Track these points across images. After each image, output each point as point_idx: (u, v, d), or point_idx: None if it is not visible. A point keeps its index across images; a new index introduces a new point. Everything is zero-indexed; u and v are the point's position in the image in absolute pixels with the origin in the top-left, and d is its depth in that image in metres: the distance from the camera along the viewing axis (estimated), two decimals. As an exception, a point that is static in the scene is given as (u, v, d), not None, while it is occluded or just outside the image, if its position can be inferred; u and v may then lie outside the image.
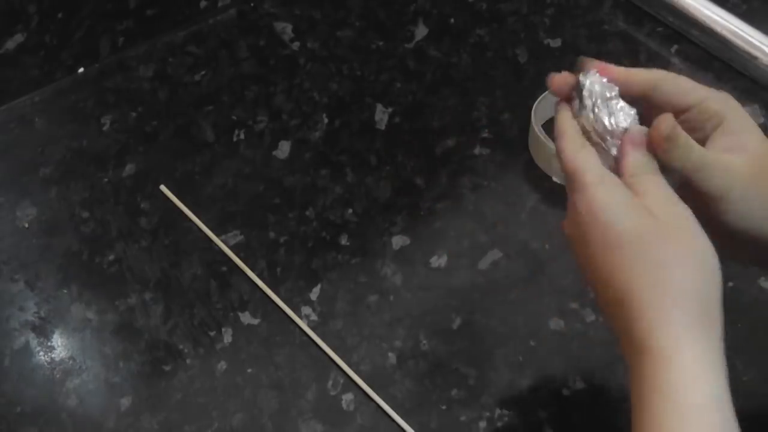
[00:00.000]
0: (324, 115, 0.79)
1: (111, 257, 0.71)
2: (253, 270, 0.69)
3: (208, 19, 0.88)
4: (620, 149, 0.47)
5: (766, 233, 0.47)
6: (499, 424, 0.60)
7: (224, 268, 0.69)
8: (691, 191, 0.46)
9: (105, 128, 0.79)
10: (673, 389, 0.42)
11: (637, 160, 0.46)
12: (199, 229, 0.72)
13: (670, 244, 0.44)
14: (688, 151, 0.46)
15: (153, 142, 0.78)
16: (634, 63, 0.83)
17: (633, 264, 0.44)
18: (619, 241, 0.44)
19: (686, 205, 0.45)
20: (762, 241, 0.48)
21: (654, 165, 0.46)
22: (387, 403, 0.61)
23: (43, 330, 0.67)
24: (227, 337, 0.65)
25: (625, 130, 0.47)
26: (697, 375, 0.42)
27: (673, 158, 0.46)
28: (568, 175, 0.47)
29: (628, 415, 0.44)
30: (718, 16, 0.82)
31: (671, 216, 0.44)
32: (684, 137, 0.46)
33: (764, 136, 0.48)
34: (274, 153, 0.77)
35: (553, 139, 0.49)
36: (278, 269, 0.69)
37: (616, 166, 0.47)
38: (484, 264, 0.68)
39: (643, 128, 0.47)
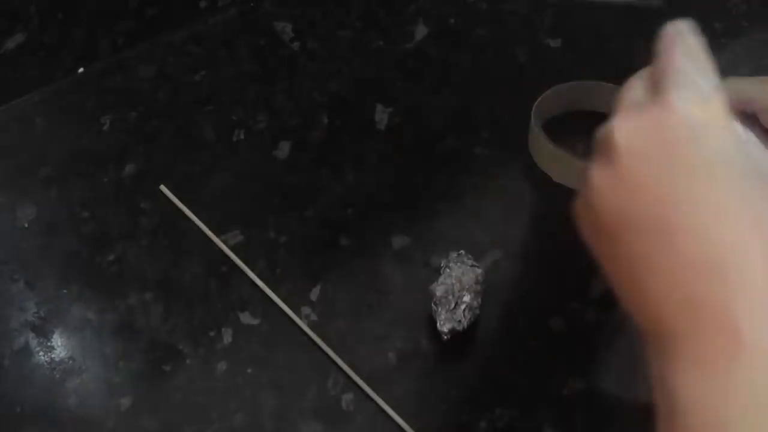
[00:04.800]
0: (324, 115, 0.79)
1: (111, 257, 0.71)
2: (253, 270, 0.69)
3: (208, 19, 0.88)
4: None
5: None
6: (499, 424, 0.60)
7: (224, 268, 0.69)
8: None
9: (105, 128, 0.79)
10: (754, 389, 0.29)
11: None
12: (199, 229, 0.72)
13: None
14: None
15: (153, 142, 0.78)
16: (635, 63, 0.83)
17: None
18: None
19: None
20: None
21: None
22: (387, 403, 0.61)
23: (42, 330, 0.67)
24: (227, 337, 0.65)
25: None
26: None
27: None
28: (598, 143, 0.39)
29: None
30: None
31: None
32: None
33: None
34: (274, 153, 0.77)
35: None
36: (278, 269, 0.69)
37: None
38: (484, 264, 0.67)
39: None
